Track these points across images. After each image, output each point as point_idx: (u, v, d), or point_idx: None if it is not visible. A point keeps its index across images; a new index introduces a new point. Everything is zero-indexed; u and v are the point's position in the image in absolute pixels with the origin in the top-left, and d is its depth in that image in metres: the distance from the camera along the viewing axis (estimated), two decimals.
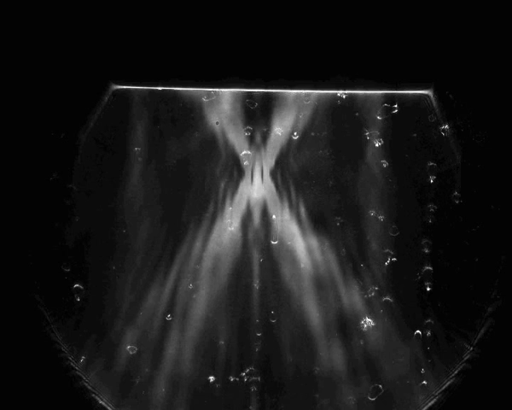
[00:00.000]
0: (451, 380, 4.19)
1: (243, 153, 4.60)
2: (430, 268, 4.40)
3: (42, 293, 4.22)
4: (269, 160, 4.59)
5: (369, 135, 4.53)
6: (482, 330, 4.16)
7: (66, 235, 4.38)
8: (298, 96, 4.56)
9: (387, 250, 4.46)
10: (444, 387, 4.21)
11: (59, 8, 4.25)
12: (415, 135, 4.50)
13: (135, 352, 4.40)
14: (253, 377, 4.39)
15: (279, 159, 4.59)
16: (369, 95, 4.52)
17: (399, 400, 4.34)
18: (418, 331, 4.37)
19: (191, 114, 4.58)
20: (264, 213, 4.58)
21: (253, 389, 4.39)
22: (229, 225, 4.56)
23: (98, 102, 4.45)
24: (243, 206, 4.58)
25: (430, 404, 4.22)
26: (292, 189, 4.57)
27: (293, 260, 4.53)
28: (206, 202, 4.55)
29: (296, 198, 4.56)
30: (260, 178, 4.59)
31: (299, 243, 4.54)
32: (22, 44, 4.23)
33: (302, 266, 4.52)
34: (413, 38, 4.32)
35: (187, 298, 4.49)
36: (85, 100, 4.42)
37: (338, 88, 4.49)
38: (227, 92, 4.58)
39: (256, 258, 4.53)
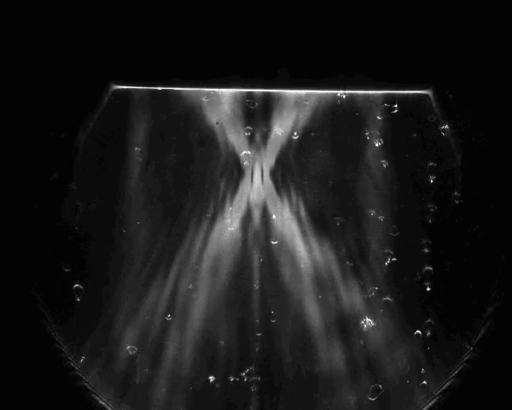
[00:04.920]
0: (451, 380, 4.19)
1: (243, 153, 4.60)
2: (430, 268, 4.40)
3: (42, 293, 4.22)
4: (269, 160, 4.59)
5: (369, 135, 4.53)
6: (482, 331, 4.16)
7: (66, 235, 4.38)
8: (298, 96, 4.56)
9: (387, 250, 4.46)
10: (444, 387, 4.21)
11: (59, 8, 4.25)
12: (415, 135, 4.50)
13: (135, 352, 4.40)
14: (253, 377, 4.39)
15: (279, 159, 4.59)
16: (369, 95, 4.52)
17: (399, 400, 4.34)
18: (418, 331, 4.37)
19: (191, 113, 4.58)
20: (264, 213, 4.58)
21: (253, 389, 4.39)
22: (229, 225, 4.56)
23: (98, 102, 4.45)
24: (243, 206, 4.58)
25: (430, 404, 4.22)
26: (292, 189, 4.57)
27: (293, 260, 4.53)
28: (206, 202, 4.55)
29: (296, 198, 4.56)
30: (260, 179, 4.59)
31: (299, 243, 4.54)
32: (22, 45, 4.23)
33: (302, 266, 4.52)
34: (413, 38, 4.33)
35: (187, 298, 4.49)
36: (85, 100, 4.42)
37: (338, 88, 4.50)
38: (227, 92, 4.58)
39: (256, 258, 4.53)
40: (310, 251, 4.52)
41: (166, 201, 4.54)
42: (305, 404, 4.38)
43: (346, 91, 4.51)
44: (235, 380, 4.40)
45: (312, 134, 4.57)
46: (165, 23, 4.33)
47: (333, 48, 4.36)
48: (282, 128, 4.58)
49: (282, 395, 4.40)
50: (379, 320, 4.42)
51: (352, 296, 4.46)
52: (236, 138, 4.60)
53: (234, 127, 4.60)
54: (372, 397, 4.35)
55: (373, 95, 4.52)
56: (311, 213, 4.55)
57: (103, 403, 4.25)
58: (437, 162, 4.46)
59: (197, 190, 4.56)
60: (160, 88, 4.54)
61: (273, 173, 4.59)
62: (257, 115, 4.59)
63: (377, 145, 4.53)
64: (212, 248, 4.54)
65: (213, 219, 4.55)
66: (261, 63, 4.39)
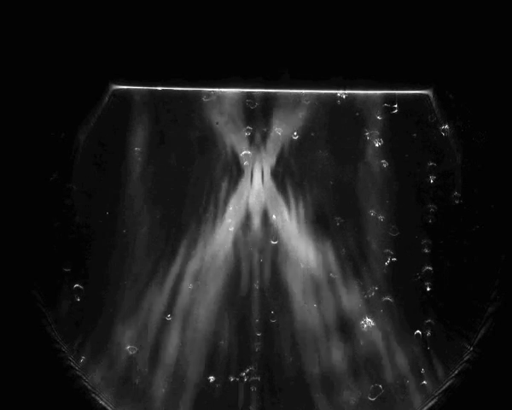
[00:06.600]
0: (451, 380, 4.19)
1: (243, 153, 4.60)
2: (430, 268, 4.40)
3: (42, 293, 4.22)
4: (269, 160, 4.59)
5: (369, 135, 4.53)
6: (482, 331, 4.16)
7: (67, 235, 4.38)
8: (298, 96, 4.56)
9: (387, 250, 4.46)
10: (444, 387, 4.21)
11: (59, 8, 4.25)
12: (415, 135, 4.50)
13: (135, 352, 4.40)
14: (253, 377, 4.39)
15: (279, 159, 4.59)
16: (369, 95, 4.52)
17: (399, 400, 4.34)
18: (418, 331, 4.37)
19: (191, 113, 4.58)
20: (265, 214, 4.58)
21: (253, 389, 4.39)
22: (229, 226, 4.56)
23: (98, 102, 4.45)
24: (243, 206, 4.58)
25: (430, 404, 4.22)
26: (292, 189, 4.57)
27: (293, 261, 4.53)
28: (206, 203, 4.55)
29: (296, 198, 4.56)
30: (260, 179, 4.59)
31: (299, 243, 4.54)
32: (22, 44, 4.23)
33: (302, 266, 4.52)
34: (413, 38, 4.33)
35: (187, 298, 4.49)
36: (85, 100, 4.42)
37: (338, 88, 4.50)
38: (227, 92, 4.58)
39: (256, 258, 4.53)
40: (309, 251, 4.52)
41: (166, 201, 4.54)
42: (305, 404, 4.38)
43: (346, 91, 4.51)
44: (235, 380, 4.40)
45: (312, 134, 4.57)
46: (165, 23, 4.33)
47: (333, 48, 4.36)
48: (281, 128, 4.58)
49: (282, 394, 4.39)
50: (379, 320, 4.42)
51: (351, 296, 4.46)
52: (236, 138, 4.60)
53: (234, 127, 4.60)
54: (372, 397, 4.35)
55: (373, 95, 4.52)
56: (310, 212, 4.55)
57: (103, 403, 4.25)
58: (437, 162, 4.46)
59: (197, 189, 4.56)
60: (160, 88, 4.54)
61: (273, 173, 4.59)
62: (257, 115, 4.59)
63: (377, 145, 4.53)
64: (212, 248, 4.53)
65: (213, 220, 4.55)
66: (261, 63, 4.39)
